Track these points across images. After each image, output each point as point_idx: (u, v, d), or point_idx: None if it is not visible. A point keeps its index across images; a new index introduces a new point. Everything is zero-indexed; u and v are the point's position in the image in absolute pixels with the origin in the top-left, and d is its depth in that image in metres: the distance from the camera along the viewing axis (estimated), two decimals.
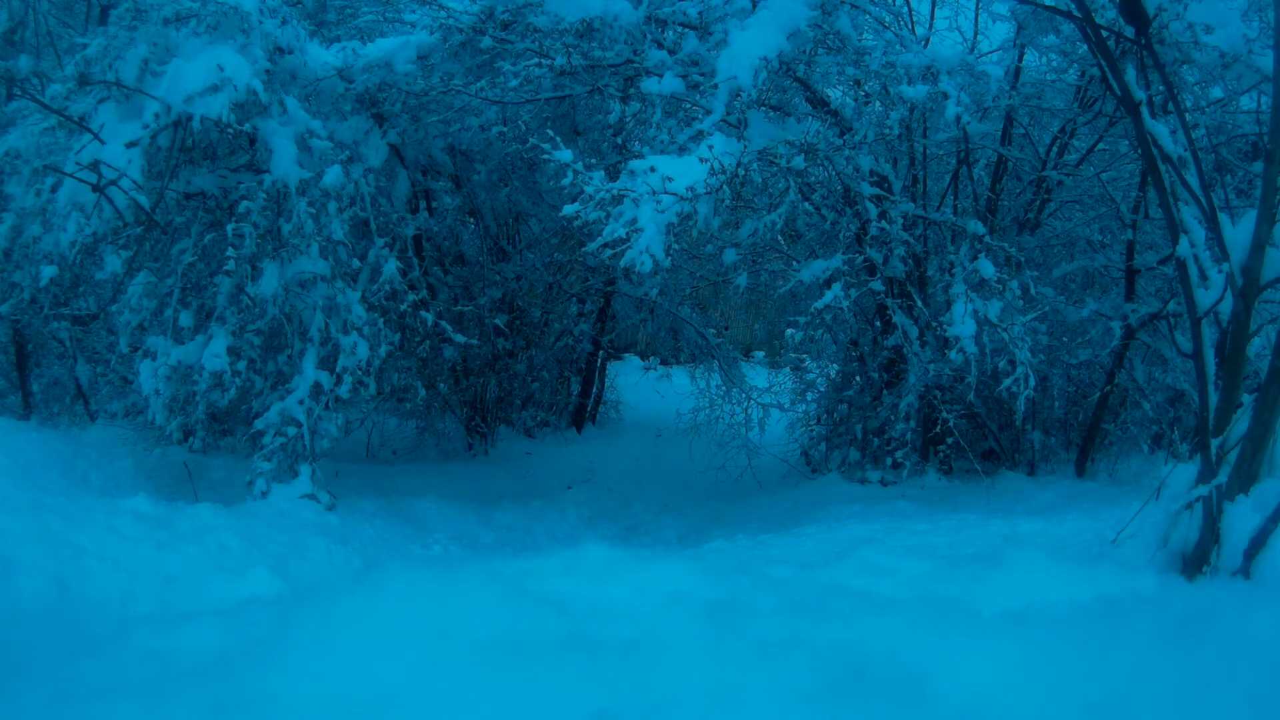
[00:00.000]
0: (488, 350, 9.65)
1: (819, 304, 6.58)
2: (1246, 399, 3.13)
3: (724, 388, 9.99)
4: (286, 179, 5.63)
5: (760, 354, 15.37)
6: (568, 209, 5.07)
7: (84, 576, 3.53)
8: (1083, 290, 8.49)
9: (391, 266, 6.45)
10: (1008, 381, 6.55)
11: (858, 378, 8.61)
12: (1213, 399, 3.23)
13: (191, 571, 4.01)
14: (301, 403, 5.81)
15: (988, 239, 6.82)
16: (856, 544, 4.72)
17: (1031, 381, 6.49)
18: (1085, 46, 6.02)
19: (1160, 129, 3.54)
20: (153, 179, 5.52)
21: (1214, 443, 3.13)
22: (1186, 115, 4.48)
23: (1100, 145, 8.04)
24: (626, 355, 14.95)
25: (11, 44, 7.26)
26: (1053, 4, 5.10)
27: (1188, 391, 7.72)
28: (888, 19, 6.91)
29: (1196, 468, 3.22)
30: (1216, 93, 7.00)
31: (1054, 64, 8.16)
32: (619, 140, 8.50)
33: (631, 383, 12.84)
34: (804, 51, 5.94)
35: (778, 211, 6.77)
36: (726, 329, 13.70)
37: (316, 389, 5.86)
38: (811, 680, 1.38)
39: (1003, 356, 6.65)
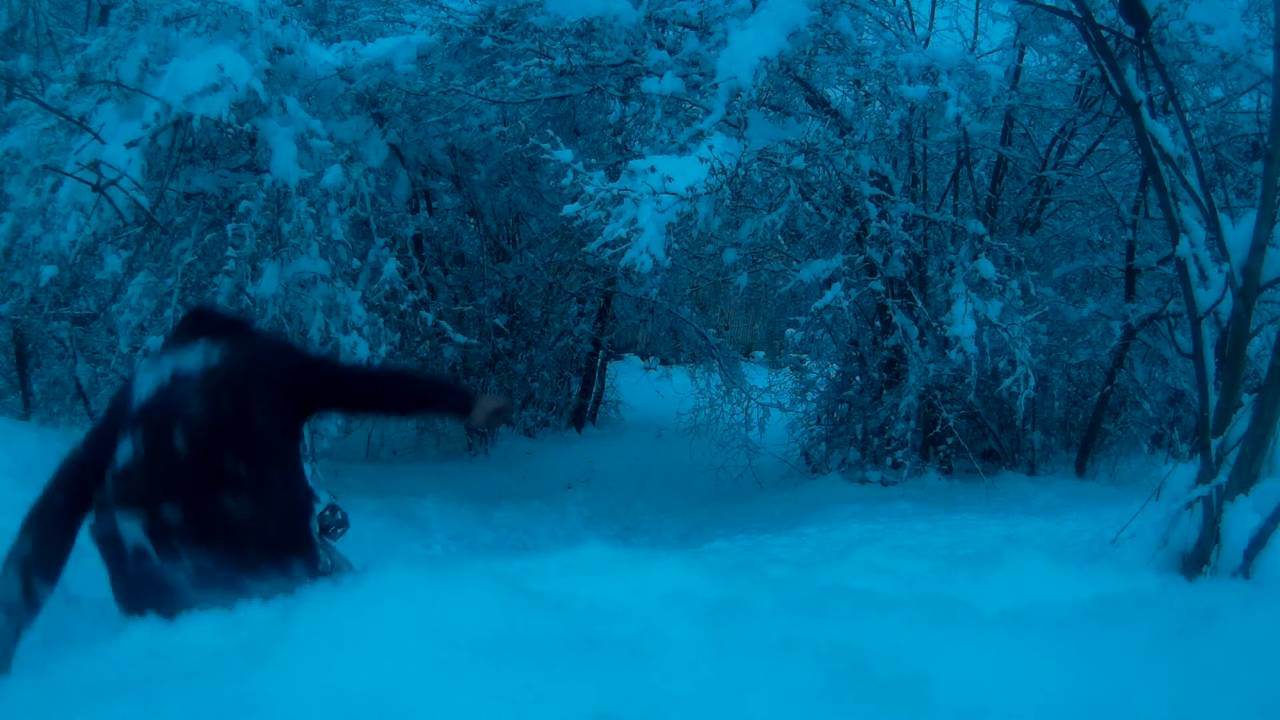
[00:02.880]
0: (488, 350, 9.65)
1: (819, 304, 6.58)
2: (1246, 399, 3.13)
3: (724, 388, 9.99)
4: (286, 179, 5.63)
5: (760, 354, 15.38)
6: (568, 209, 5.07)
7: (84, 576, 3.52)
8: (1083, 290, 8.49)
9: (391, 266, 6.44)
10: (1008, 381, 6.55)
11: (858, 378, 8.61)
12: (1213, 399, 3.23)
13: None
14: None
15: (988, 239, 6.82)
16: (856, 544, 4.72)
17: (1031, 381, 6.50)
18: (1085, 46, 6.02)
19: (1160, 129, 3.53)
20: (153, 179, 5.51)
21: (1214, 443, 3.13)
22: (1186, 115, 4.48)
23: (1100, 145, 8.04)
24: (626, 355, 14.96)
25: (11, 44, 7.26)
26: (1053, 4, 5.10)
27: (1188, 391, 7.72)
28: (888, 19, 6.91)
29: (1196, 468, 3.22)
30: (1216, 93, 7.00)
31: (1054, 64, 8.17)
32: (619, 140, 8.50)
33: (631, 383, 12.84)
34: (804, 51, 5.94)
35: (778, 211, 6.78)
36: (726, 329, 13.71)
37: None
38: (811, 680, 1.38)
39: (1003, 356, 6.65)
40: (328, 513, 3.16)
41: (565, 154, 5.05)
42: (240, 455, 2.10)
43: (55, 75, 6.22)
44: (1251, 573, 2.87)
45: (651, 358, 12.97)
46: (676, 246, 5.82)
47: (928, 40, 8.02)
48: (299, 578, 2.12)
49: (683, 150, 5.45)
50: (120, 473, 2.13)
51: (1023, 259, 7.03)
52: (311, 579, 2.17)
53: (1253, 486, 2.98)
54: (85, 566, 3.63)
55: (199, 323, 2.42)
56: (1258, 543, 2.89)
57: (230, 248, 5.56)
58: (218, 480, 2.07)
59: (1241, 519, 2.95)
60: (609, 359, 12.94)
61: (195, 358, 2.26)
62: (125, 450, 2.14)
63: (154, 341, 5.64)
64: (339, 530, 3.15)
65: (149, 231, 5.64)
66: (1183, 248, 3.43)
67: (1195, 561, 3.09)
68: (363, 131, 7.11)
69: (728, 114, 5.34)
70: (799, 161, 6.03)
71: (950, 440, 7.20)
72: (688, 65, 6.14)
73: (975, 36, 8.53)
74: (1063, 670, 1.40)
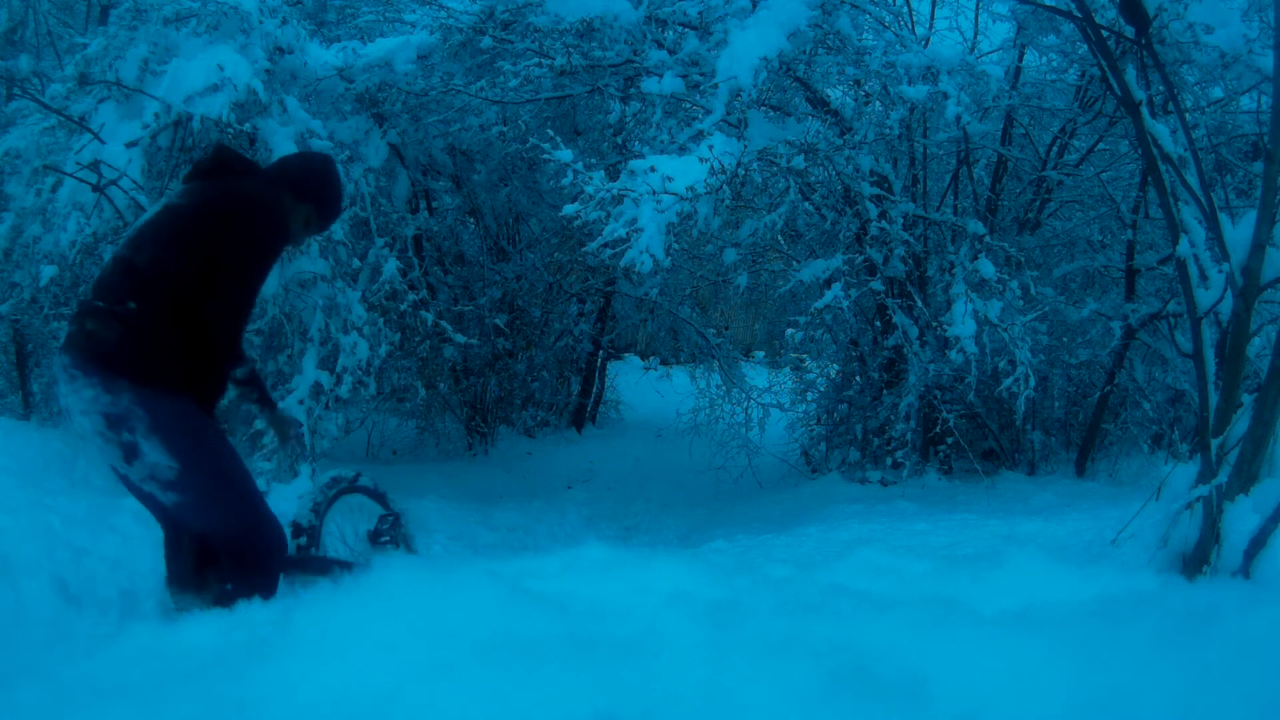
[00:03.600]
0: (488, 350, 9.65)
1: (819, 304, 6.57)
2: (1246, 399, 3.13)
3: (724, 388, 9.98)
4: None
5: (760, 354, 15.37)
6: (568, 209, 5.07)
7: (84, 576, 3.52)
8: (1083, 290, 8.49)
9: (391, 266, 6.44)
10: (1008, 381, 6.55)
11: (858, 378, 8.61)
12: (1213, 399, 3.23)
13: None
14: (301, 403, 5.81)
15: (988, 239, 6.82)
16: (856, 544, 4.71)
17: (1031, 381, 6.49)
18: (1085, 46, 6.01)
19: (1160, 129, 3.53)
20: (153, 179, 5.51)
21: (1214, 443, 3.13)
22: (1186, 115, 4.49)
23: (1100, 145, 8.04)
24: (626, 355, 14.96)
25: (11, 44, 7.25)
26: (1053, 4, 5.10)
27: (1188, 391, 7.72)
28: (888, 19, 6.90)
29: (1196, 468, 3.22)
30: (1216, 93, 7.00)
31: (1054, 64, 8.16)
32: (619, 140, 8.50)
33: (631, 383, 12.84)
34: (804, 51, 5.93)
35: (778, 211, 6.77)
36: (726, 329, 13.70)
37: (316, 389, 5.86)
38: (811, 680, 1.38)
39: (1003, 356, 6.65)
40: (389, 523, 3.54)
41: (565, 154, 5.05)
42: (112, 294, 2.60)
43: (55, 75, 6.22)
44: (1251, 573, 2.87)
45: (651, 358, 12.96)
46: (676, 246, 5.82)
47: (928, 40, 8.02)
48: (123, 402, 2.52)
49: (683, 150, 5.44)
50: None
51: (1023, 259, 7.03)
52: (142, 409, 2.53)
53: (1253, 486, 2.98)
54: (85, 566, 3.63)
55: (208, 163, 2.86)
56: (1258, 543, 2.89)
57: None
58: (89, 310, 2.62)
59: (1241, 519, 2.95)
60: (609, 359, 12.94)
61: (168, 201, 2.77)
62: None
63: None
64: (383, 541, 3.58)
65: None
66: (1183, 248, 3.43)
67: (1195, 561, 3.09)
68: (363, 131, 7.10)
69: (728, 114, 5.33)
70: (799, 161, 6.03)
71: (950, 440, 7.20)
72: (688, 65, 6.14)
73: (975, 36, 8.53)
74: (1063, 670, 1.40)
